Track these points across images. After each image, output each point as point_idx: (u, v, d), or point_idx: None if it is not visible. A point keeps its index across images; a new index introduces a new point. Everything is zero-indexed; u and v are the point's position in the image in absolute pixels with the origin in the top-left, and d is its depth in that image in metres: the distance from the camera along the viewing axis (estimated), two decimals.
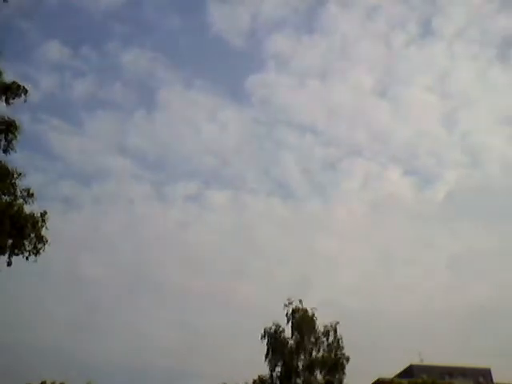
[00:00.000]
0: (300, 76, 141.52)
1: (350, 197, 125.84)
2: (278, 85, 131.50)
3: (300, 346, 38.69)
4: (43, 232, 18.30)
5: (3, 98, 18.50)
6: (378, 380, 49.35)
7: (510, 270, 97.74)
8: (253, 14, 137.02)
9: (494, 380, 60.28)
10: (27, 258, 18.19)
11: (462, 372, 59.44)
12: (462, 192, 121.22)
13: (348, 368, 38.40)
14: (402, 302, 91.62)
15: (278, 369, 38.62)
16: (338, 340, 38.94)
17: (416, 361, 57.24)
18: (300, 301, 39.74)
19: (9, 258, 17.85)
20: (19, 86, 18.67)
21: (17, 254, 18.07)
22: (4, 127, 17.59)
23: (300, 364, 38.49)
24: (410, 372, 55.67)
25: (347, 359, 38.33)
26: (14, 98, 18.63)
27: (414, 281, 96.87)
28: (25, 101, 18.71)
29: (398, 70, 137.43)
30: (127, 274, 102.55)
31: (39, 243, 18.29)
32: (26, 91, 18.79)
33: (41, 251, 18.36)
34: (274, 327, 39.56)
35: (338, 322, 39.48)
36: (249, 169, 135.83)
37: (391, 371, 53.84)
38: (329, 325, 39.43)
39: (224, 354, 78.19)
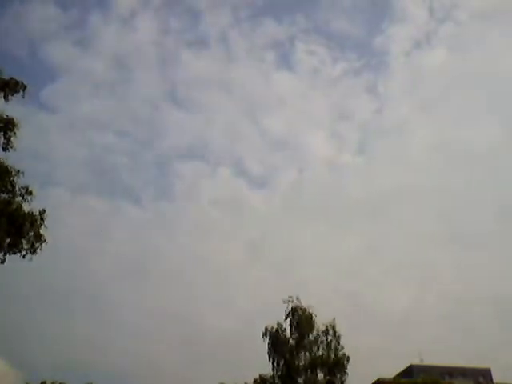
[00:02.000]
0: (93, 85, 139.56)
1: (190, 197, 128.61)
2: (73, 93, 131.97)
3: (300, 344, 38.35)
4: (41, 231, 17.99)
5: (1, 94, 18.28)
6: (378, 380, 49.25)
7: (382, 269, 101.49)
8: (25, 28, 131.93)
9: (494, 380, 60.18)
10: (24, 257, 17.89)
11: (462, 372, 59.36)
12: (297, 193, 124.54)
13: None
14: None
15: (280, 367, 38.31)
16: (337, 338, 38.63)
17: (416, 361, 57.21)
18: (297, 298, 39.32)
19: (4, 255, 17.52)
20: (17, 82, 18.47)
21: (14, 253, 17.76)
22: (3, 125, 17.37)
23: (301, 363, 38.21)
24: (409, 372, 55.59)
25: (347, 359, 37.99)
26: (12, 95, 18.42)
27: (311, 283, 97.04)
28: (23, 97, 18.54)
29: (181, 73, 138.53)
30: None
31: (37, 242, 17.96)
32: (24, 87, 18.60)
33: (38, 250, 18.05)
34: (275, 326, 39.24)
35: (334, 319, 39.20)
36: (79, 170, 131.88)
37: (391, 371, 53.87)
38: (328, 323, 39.10)
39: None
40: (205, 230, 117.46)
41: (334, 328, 39.00)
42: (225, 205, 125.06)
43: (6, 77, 18.30)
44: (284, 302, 39.02)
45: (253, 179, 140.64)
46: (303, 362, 38.10)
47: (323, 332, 39.00)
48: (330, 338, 38.74)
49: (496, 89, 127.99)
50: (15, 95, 18.59)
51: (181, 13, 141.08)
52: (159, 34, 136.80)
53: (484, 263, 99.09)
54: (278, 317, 39.12)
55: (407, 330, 78.98)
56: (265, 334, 38.86)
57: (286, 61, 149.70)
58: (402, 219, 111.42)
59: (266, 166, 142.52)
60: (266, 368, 39.39)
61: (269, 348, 38.50)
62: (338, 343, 38.60)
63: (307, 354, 38.35)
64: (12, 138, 17.42)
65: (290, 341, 38.75)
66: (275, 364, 38.32)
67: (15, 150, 17.80)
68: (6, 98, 18.29)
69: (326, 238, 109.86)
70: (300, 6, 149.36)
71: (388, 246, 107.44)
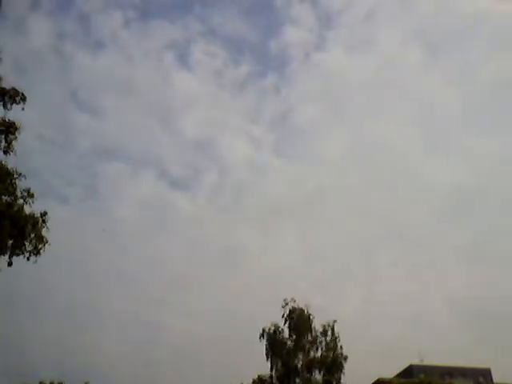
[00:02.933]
0: None
1: (118, 198, 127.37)
2: None
3: (298, 345, 38.78)
4: (43, 232, 18.49)
5: (1, 103, 18.72)
6: (377, 380, 49.34)
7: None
8: None
9: (494, 380, 60.27)
10: (28, 259, 18.36)
11: (462, 372, 59.43)
12: (222, 195, 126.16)
13: None
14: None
15: (278, 368, 38.67)
16: (336, 339, 39.05)
17: (416, 361, 57.30)
18: (292, 299, 39.92)
19: (9, 258, 18.02)
20: (17, 91, 18.84)
21: (17, 255, 18.21)
22: (4, 128, 17.86)
23: (299, 364, 38.59)
24: (409, 372, 55.68)
25: (345, 358, 38.43)
26: (11, 104, 18.79)
27: (256, 284, 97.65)
28: (22, 108, 18.89)
29: (82, 76, 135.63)
30: None
31: (39, 243, 18.44)
32: (24, 98, 18.98)
33: (41, 252, 18.53)
34: (272, 328, 39.66)
35: (335, 321, 39.68)
36: None
37: (391, 371, 54.07)
38: (326, 324, 39.56)
39: None
40: (142, 230, 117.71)
41: (332, 329, 39.51)
42: (152, 206, 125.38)
43: (7, 86, 18.88)
44: (282, 306, 39.58)
45: (176, 181, 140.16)
46: (301, 362, 38.53)
47: (321, 333, 39.48)
48: (328, 338, 39.24)
49: (399, 88, 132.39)
50: (14, 104, 19.10)
51: (73, 16, 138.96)
52: (54, 38, 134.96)
53: (427, 261, 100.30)
54: (232, 319, 39.74)
55: (362, 330, 78.65)
56: (262, 336, 39.31)
57: (185, 63, 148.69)
58: (332, 219, 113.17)
59: (187, 167, 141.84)
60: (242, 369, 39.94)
61: (266, 349, 38.91)
62: (337, 344, 39.10)
63: (305, 355, 38.80)
64: (13, 142, 17.93)
65: (288, 342, 39.18)
66: (273, 364, 38.72)
67: (15, 153, 18.41)
68: (5, 106, 18.66)
69: (259, 238, 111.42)
70: (192, 9, 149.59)
71: (325, 246, 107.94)
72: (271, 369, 38.71)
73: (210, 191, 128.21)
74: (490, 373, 61.81)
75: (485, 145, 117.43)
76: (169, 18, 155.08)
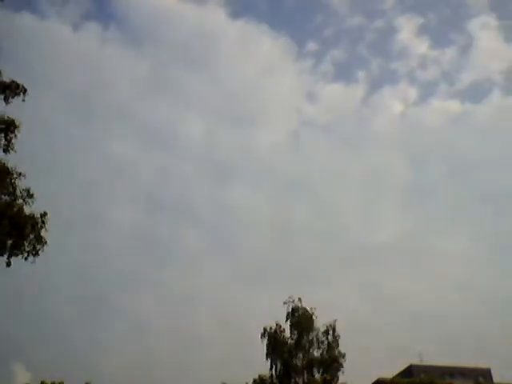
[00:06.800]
0: None
1: None
2: None
3: (299, 345, 38.52)
4: (42, 233, 18.01)
5: (2, 96, 18.24)
6: (377, 380, 49.19)
7: None
8: None
9: (494, 380, 60.20)
10: (26, 259, 17.90)
11: (462, 372, 59.31)
12: None
13: None
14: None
15: (278, 368, 38.41)
16: (337, 338, 38.79)
17: (416, 361, 57.15)
18: (299, 299, 39.54)
19: (8, 258, 17.57)
20: (18, 85, 18.37)
21: (16, 255, 17.77)
22: (4, 126, 17.33)
23: (299, 363, 38.30)
24: (409, 372, 55.57)
25: (343, 356, 38.13)
26: (13, 97, 18.31)
27: None
28: (23, 100, 18.43)
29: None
30: None
31: (38, 244, 17.97)
32: (24, 90, 18.52)
33: (39, 252, 18.07)
34: (274, 327, 39.32)
35: (335, 320, 39.41)
36: None
37: (391, 371, 53.78)
38: (328, 324, 39.26)
39: None
40: None
41: (334, 328, 39.24)
42: None
43: (7, 79, 18.33)
44: (285, 303, 39.27)
45: None
46: (302, 362, 38.28)
47: (323, 332, 39.24)
48: (330, 337, 38.97)
49: None
50: (16, 98, 18.61)
51: None
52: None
53: None
54: None
55: None
56: (263, 335, 38.99)
57: None
58: None
59: None
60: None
61: (267, 348, 38.61)
62: (337, 343, 38.84)
63: (306, 354, 38.56)
64: (13, 140, 17.41)
65: (289, 341, 38.89)
66: (273, 364, 38.45)
67: (15, 151, 17.88)
68: (6, 100, 18.21)
69: None
70: None
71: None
72: (271, 368, 38.37)
73: None
74: (489, 373, 61.72)
75: None
76: None
